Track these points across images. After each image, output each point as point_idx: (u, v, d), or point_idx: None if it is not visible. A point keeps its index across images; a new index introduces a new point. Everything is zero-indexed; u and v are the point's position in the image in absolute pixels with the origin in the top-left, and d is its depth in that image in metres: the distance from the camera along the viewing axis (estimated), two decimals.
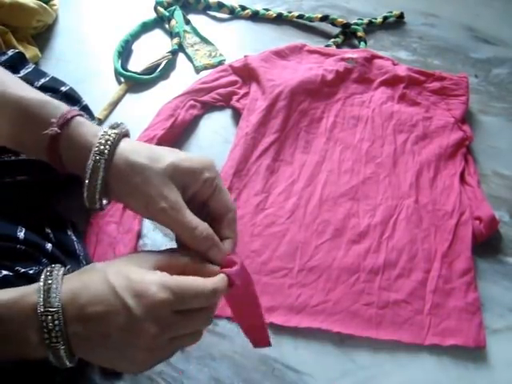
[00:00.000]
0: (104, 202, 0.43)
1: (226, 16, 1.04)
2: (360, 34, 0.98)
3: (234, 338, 0.61)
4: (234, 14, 1.03)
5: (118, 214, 0.69)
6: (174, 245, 0.45)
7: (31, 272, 0.49)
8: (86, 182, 0.41)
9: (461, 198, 0.73)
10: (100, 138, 0.41)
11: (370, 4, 1.08)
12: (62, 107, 0.42)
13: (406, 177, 0.75)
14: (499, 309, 0.64)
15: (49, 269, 0.39)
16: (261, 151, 0.77)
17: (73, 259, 0.58)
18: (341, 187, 0.74)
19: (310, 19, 1.01)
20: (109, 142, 0.41)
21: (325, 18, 1.00)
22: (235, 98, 0.86)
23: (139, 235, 0.69)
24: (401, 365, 0.59)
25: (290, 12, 1.02)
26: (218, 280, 0.40)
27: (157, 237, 0.70)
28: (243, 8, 1.03)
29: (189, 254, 0.42)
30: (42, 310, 0.36)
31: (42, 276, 0.38)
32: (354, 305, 0.63)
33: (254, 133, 0.78)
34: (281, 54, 0.90)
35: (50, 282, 0.37)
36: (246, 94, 0.86)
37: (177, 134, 0.81)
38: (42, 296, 0.36)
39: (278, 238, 0.69)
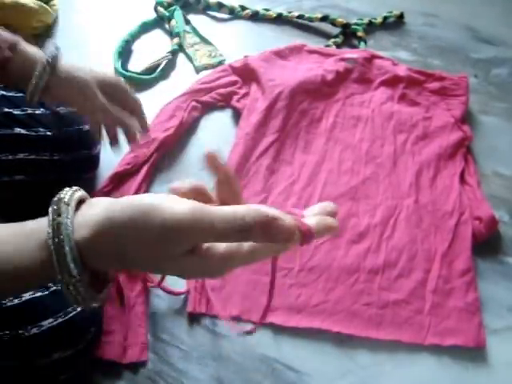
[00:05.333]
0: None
1: (226, 16, 1.04)
2: (360, 34, 0.98)
3: (234, 338, 0.61)
4: (234, 14, 1.03)
5: None
6: None
7: None
8: (33, 82, 0.56)
9: (461, 198, 0.73)
10: (48, 53, 0.57)
11: (370, 4, 1.08)
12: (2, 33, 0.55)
13: (405, 177, 0.75)
14: (499, 309, 0.64)
15: (54, 209, 0.34)
16: (261, 151, 0.77)
17: None
18: (341, 187, 0.74)
19: (310, 19, 1.01)
20: (53, 55, 0.57)
21: (325, 18, 1.00)
22: (235, 97, 0.86)
23: None
24: (401, 365, 0.59)
25: (289, 12, 1.02)
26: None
27: None
28: (243, 8, 1.03)
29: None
30: (60, 278, 0.32)
31: (50, 229, 0.33)
32: (353, 305, 0.63)
33: (254, 133, 0.78)
34: (281, 54, 0.90)
35: (62, 239, 0.32)
36: (246, 94, 0.86)
37: (178, 135, 0.81)
38: (56, 264, 0.32)
39: None
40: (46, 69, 0.56)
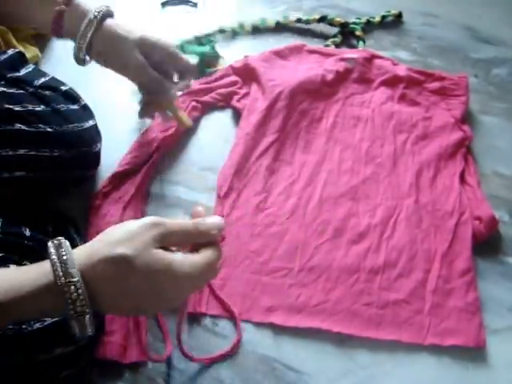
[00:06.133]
0: (87, 58, 0.63)
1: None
2: (358, 33, 0.98)
3: (234, 338, 0.61)
4: (236, 34, 0.98)
5: (118, 214, 0.69)
6: None
7: None
8: (78, 37, 0.60)
9: (461, 198, 0.73)
10: (96, 9, 0.61)
11: (370, 4, 1.07)
12: None
13: (405, 177, 0.75)
14: (499, 309, 0.64)
15: (55, 242, 0.39)
16: (261, 151, 0.77)
17: None
18: (341, 187, 0.74)
19: (308, 22, 0.99)
20: (101, 12, 0.61)
21: (322, 19, 0.99)
22: (236, 97, 0.85)
23: None
24: (401, 365, 0.59)
25: (286, 18, 0.99)
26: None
27: None
28: (241, 26, 0.98)
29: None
30: (63, 281, 0.36)
31: (52, 250, 0.38)
32: (353, 305, 0.63)
33: (254, 133, 0.78)
34: (281, 54, 0.90)
35: (63, 253, 0.38)
36: (246, 94, 0.86)
37: (178, 135, 0.80)
38: (59, 268, 0.36)
39: (278, 238, 0.69)
40: (93, 24, 0.59)
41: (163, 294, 0.40)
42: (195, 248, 0.44)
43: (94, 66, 0.91)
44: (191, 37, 0.94)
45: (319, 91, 0.85)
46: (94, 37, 0.60)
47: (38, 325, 0.47)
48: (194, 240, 0.44)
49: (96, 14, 0.59)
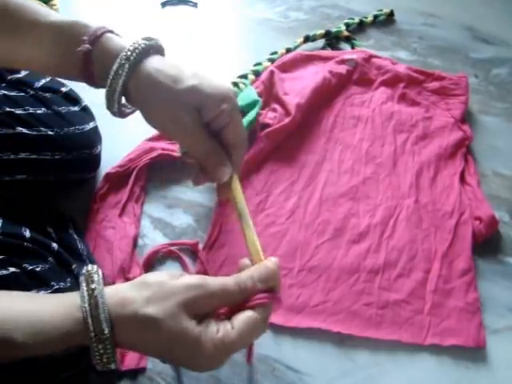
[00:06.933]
0: (128, 110, 0.46)
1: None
2: (345, 34, 0.97)
3: None
4: (246, 86, 0.90)
5: (115, 220, 0.69)
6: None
7: (38, 269, 0.50)
8: (108, 82, 0.43)
9: (461, 198, 0.73)
10: (130, 46, 0.43)
11: (370, 4, 1.07)
12: (91, 24, 0.45)
13: (405, 177, 0.75)
14: (499, 309, 0.64)
15: (89, 284, 0.39)
16: (265, 153, 0.77)
17: (76, 258, 0.59)
18: (341, 187, 0.74)
19: (296, 47, 0.96)
20: (136, 51, 0.43)
21: (307, 39, 0.96)
22: (262, 116, 0.81)
23: (136, 240, 0.69)
24: (401, 365, 0.59)
25: (275, 53, 0.94)
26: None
27: (157, 237, 0.70)
28: (245, 77, 0.90)
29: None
30: (92, 336, 0.37)
31: (85, 293, 0.38)
32: (354, 305, 0.63)
33: (266, 138, 0.78)
34: (282, 68, 0.89)
35: (96, 302, 0.37)
36: (270, 111, 0.82)
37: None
38: (90, 322, 0.37)
39: (278, 237, 0.69)
40: (124, 68, 0.42)
41: (181, 362, 0.41)
42: (232, 312, 0.41)
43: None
44: None
45: (324, 93, 0.84)
46: (128, 84, 0.43)
47: None
48: (239, 300, 0.41)
49: (129, 53, 0.43)
